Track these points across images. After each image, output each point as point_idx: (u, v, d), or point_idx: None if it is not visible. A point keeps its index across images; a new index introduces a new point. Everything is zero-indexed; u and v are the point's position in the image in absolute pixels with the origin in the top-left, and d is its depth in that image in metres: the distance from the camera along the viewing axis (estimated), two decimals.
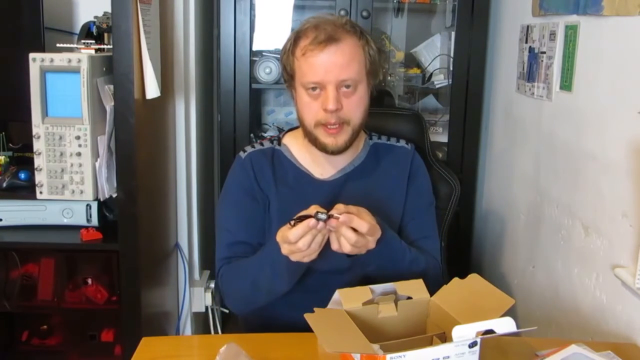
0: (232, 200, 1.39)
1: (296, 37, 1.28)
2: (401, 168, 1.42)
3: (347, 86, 1.25)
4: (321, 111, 1.25)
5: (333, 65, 1.23)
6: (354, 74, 1.25)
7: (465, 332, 0.95)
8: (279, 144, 1.42)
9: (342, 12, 2.20)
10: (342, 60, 1.23)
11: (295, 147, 1.41)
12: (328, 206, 1.28)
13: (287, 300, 1.28)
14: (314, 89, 1.25)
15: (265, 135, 2.54)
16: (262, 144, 1.43)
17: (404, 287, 1.12)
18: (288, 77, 1.33)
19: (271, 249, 1.19)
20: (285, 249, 1.12)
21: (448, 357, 0.93)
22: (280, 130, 2.53)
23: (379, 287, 1.11)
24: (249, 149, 1.42)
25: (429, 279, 1.18)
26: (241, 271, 1.32)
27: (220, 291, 1.39)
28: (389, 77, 2.47)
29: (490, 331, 0.95)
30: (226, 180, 1.42)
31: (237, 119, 2.28)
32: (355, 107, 1.27)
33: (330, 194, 1.35)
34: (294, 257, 1.12)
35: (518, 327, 0.97)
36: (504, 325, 0.96)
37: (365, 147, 1.42)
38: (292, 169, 1.39)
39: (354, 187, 1.37)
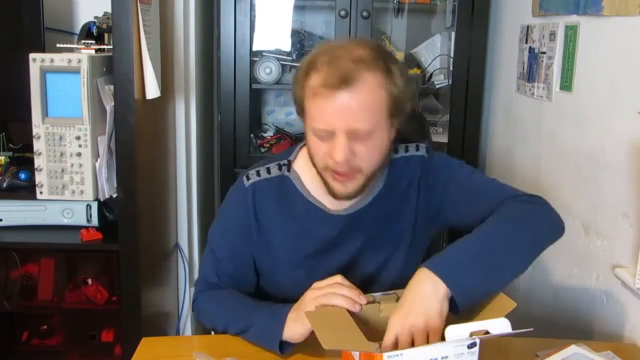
0: (224, 229, 1.29)
1: (308, 68, 1.10)
2: (412, 184, 1.25)
3: (361, 133, 1.07)
4: (329, 156, 1.10)
5: (344, 114, 1.05)
6: (369, 124, 1.07)
7: (458, 332, 0.95)
8: (289, 169, 1.25)
9: (342, 13, 2.20)
10: (356, 108, 1.05)
11: (307, 173, 1.23)
12: (338, 239, 1.22)
13: (292, 302, 1.28)
14: (322, 135, 1.09)
15: (265, 135, 2.54)
16: (268, 171, 1.25)
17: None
18: (298, 109, 1.17)
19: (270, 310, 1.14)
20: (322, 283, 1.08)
21: (446, 357, 0.93)
22: (279, 130, 2.53)
23: (379, 293, 1.11)
24: (253, 176, 1.25)
25: (538, 217, 1.12)
26: (220, 307, 1.25)
27: (195, 311, 1.31)
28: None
29: (487, 331, 0.95)
30: (225, 200, 1.29)
31: (237, 119, 2.28)
32: (369, 156, 1.10)
33: (343, 228, 1.23)
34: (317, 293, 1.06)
35: (517, 328, 0.97)
36: (499, 326, 0.96)
37: (383, 171, 1.23)
38: (300, 200, 1.23)
39: (370, 220, 1.23)
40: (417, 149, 1.27)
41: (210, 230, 1.31)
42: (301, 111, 1.15)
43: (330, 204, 1.22)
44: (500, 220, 1.10)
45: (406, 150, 1.27)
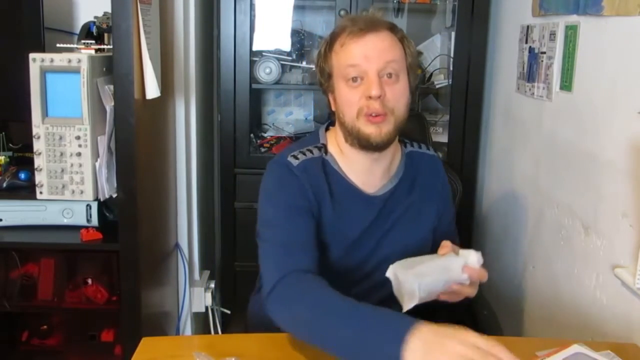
0: (287, 212, 1.21)
1: (333, 36, 1.25)
2: (435, 178, 1.39)
3: (389, 75, 1.19)
4: (363, 99, 1.18)
5: (373, 50, 1.18)
6: (396, 58, 1.20)
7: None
8: (326, 152, 1.30)
9: (342, 12, 2.20)
10: (382, 46, 1.19)
11: (340, 157, 1.30)
12: (375, 221, 1.28)
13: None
14: (354, 79, 1.19)
15: (265, 135, 2.54)
16: (311, 152, 1.29)
17: None
18: (326, 80, 1.26)
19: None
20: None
21: None
22: (279, 130, 2.53)
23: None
24: (300, 156, 1.27)
25: None
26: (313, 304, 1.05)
27: (270, 312, 1.11)
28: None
29: None
30: (272, 185, 1.25)
31: (237, 119, 2.28)
32: (399, 96, 1.20)
33: (380, 210, 1.30)
34: None
35: (517, 328, 0.96)
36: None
37: (402, 157, 1.35)
38: (341, 182, 1.28)
39: (399, 202, 1.32)
40: (427, 148, 1.42)
41: (263, 224, 1.23)
42: (329, 77, 1.25)
43: (365, 186, 1.29)
44: None
45: (419, 147, 1.40)
